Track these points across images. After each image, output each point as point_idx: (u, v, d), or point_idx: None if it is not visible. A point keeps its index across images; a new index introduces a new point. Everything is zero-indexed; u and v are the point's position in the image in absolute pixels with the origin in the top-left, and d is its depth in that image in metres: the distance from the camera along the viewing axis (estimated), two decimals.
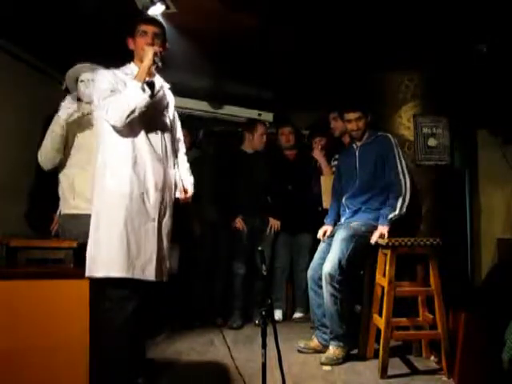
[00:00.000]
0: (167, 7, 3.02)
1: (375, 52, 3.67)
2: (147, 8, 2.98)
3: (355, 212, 3.32)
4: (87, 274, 2.28)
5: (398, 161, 3.22)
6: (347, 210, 3.38)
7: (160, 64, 2.37)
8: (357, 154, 3.40)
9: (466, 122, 4.15)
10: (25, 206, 3.51)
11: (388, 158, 3.25)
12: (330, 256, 3.15)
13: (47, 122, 3.04)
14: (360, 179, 3.33)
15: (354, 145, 3.45)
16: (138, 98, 2.26)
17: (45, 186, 3.15)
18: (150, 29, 2.43)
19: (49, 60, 3.73)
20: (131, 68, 2.47)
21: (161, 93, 2.52)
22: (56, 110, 2.92)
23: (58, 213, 3.05)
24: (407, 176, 3.20)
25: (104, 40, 3.35)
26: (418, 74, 3.81)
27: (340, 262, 3.08)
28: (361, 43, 3.58)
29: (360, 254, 3.18)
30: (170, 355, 3.17)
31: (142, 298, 2.37)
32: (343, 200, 3.43)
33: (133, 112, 2.25)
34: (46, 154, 2.92)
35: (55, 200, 3.05)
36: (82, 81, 3.02)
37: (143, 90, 2.28)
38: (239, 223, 4.04)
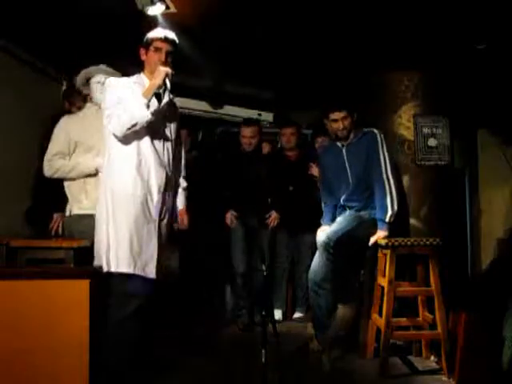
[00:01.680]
0: (167, 7, 3.02)
1: (375, 52, 3.67)
2: (147, 8, 2.97)
3: (359, 210, 3.30)
4: (104, 269, 2.37)
5: (382, 159, 3.21)
6: (348, 210, 3.37)
7: (169, 85, 2.42)
8: (344, 153, 3.36)
9: (466, 122, 4.15)
10: (25, 206, 3.51)
11: (372, 156, 3.24)
12: (328, 230, 3.18)
13: (52, 122, 3.04)
14: (354, 179, 3.31)
15: (339, 144, 3.40)
16: (141, 114, 2.35)
17: (45, 186, 3.14)
18: (165, 47, 2.47)
19: (49, 60, 3.73)
20: (141, 77, 2.55)
21: (168, 104, 2.57)
22: (63, 113, 2.92)
23: (67, 213, 3.02)
24: (390, 173, 3.18)
25: (104, 40, 3.35)
26: (418, 74, 3.80)
27: (337, 233, 3.08)
28: (361, 43, 3.57)
29: (361, 233, 3.16)
30: (171, 354, 3.17)
31: (145, 297, 2.42)
32: (341, 201, 3.38)
33: (134, 126, 2.36)
34: (56, 173, 2.94)
35: (56, 199, 3.05)
36: (98, 82, 2.99)
37: (148, 106, 2.36)
38: (229, 219, 4.00)
